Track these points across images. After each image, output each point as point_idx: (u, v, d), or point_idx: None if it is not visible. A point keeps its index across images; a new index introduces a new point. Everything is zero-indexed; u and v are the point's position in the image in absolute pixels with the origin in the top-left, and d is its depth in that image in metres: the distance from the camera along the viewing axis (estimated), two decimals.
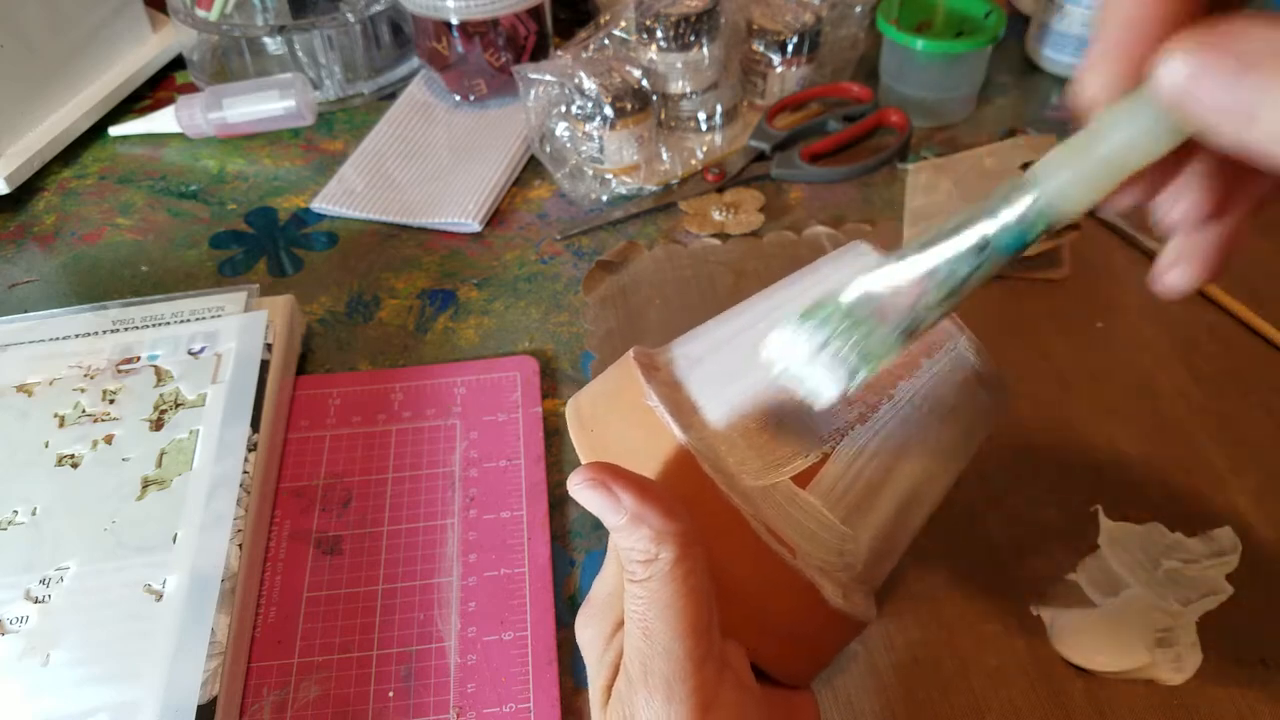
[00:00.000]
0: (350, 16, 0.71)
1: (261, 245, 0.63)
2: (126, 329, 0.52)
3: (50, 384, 0.49)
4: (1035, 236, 0.22)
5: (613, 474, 0.27)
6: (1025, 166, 0.64)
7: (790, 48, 0.67)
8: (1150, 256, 0.58)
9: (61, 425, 0.48)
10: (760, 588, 0.30)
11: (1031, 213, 0.22)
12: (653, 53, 0.64)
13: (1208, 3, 0.19)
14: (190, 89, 0.75)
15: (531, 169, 0.67)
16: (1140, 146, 0.20)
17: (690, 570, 0.27)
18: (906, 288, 0.24)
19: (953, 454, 0.33)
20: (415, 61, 0.75)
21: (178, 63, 0.77)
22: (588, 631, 0.32)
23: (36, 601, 0.41)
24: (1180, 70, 0.17)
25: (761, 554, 0.30)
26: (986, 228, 0.23)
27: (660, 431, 0.31)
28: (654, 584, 0.26)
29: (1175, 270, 0.22)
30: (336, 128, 0.72)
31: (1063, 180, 0.21)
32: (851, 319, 0.25)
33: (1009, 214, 0.22)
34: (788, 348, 0.27)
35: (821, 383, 0.26)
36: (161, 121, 0.70)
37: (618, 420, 0.33)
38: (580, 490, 0.28)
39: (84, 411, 0.48)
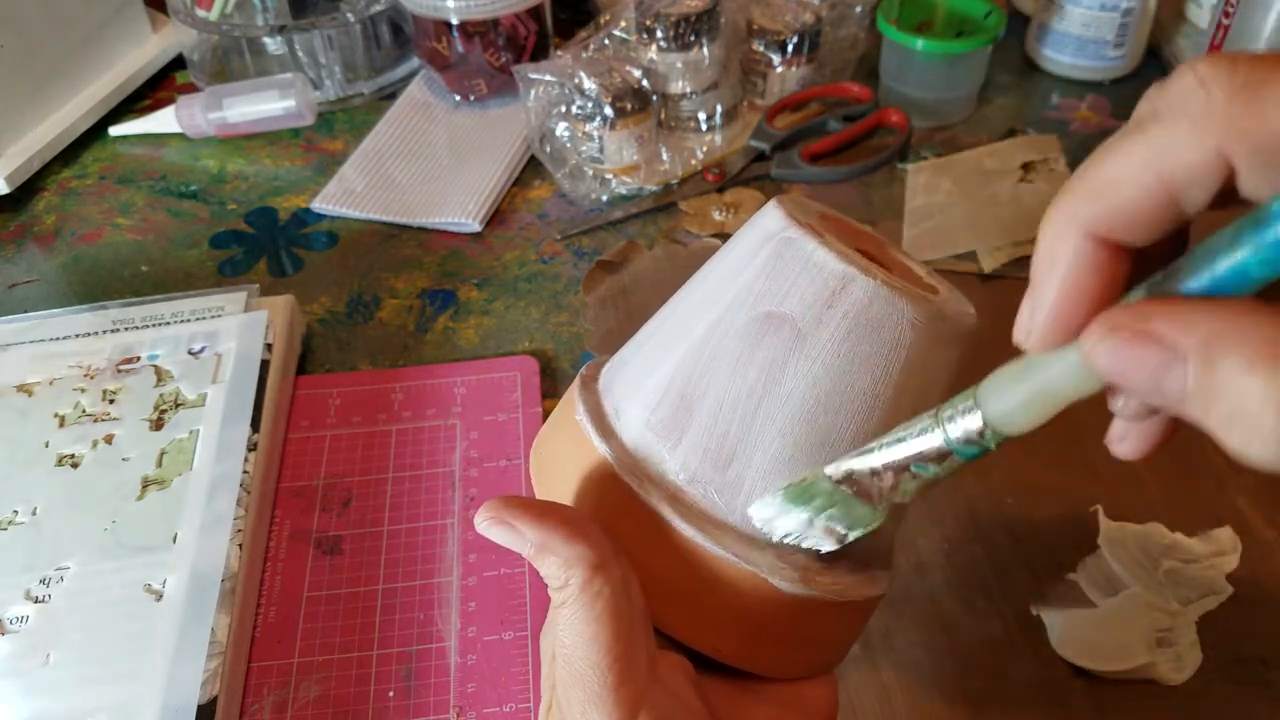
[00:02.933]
0: (350, 16, 0.71)
1: (261, 245, 0.63)
2: (126, 329, 0.52)
3: (50, 384, 0.49)
4: (993, 447, 0.24)
5: (511, 506, 0.28)
6: (1026, 167, 0.64)
7: (790, 48, 0.67)
8: None
9: (61, 425, 0.48)
10: (701, 587, 0.29)
11: (981, 433, 0.24)
12: (653, 53, 0.64)
13: (1132, 270, 0.21)
14: (190, 89, 0.75)
15: (531, 169, 0.67)
16: (1075, 385, 0.22)
17: (599, 594, 0.26)
18: (883, 474, 0.26)
19: (895, 408, 0.30)
20: (415, 61, 0.75)
21: (178, 63, 0.77)
22: (543, 647, 0.32)
23: (36, 601, 0.41)
24: (1106, 356, 0.19)
25: (694, 553, 0.29)
26: (944, 440, 0.24)
27: (587, 444, 0.31)
28: (567, 610, 0.27)
29: (1124, 445, 0.24)
30: (336, 128, 0.72)
31: (1004, 406, 0.23)
32: (836, 496, 0.27)
33: (961, 431, 0.24)
34: (780, 521, 0.28)
35: (818, 544, 0.28)
36: (161, 121, 0.70)
37: (558, 439, 0.33)
38: (485, 529, 0.28)
39: (84, 411, 0.48)
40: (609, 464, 0.30)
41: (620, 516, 0.29)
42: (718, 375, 0.29)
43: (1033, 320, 0.21)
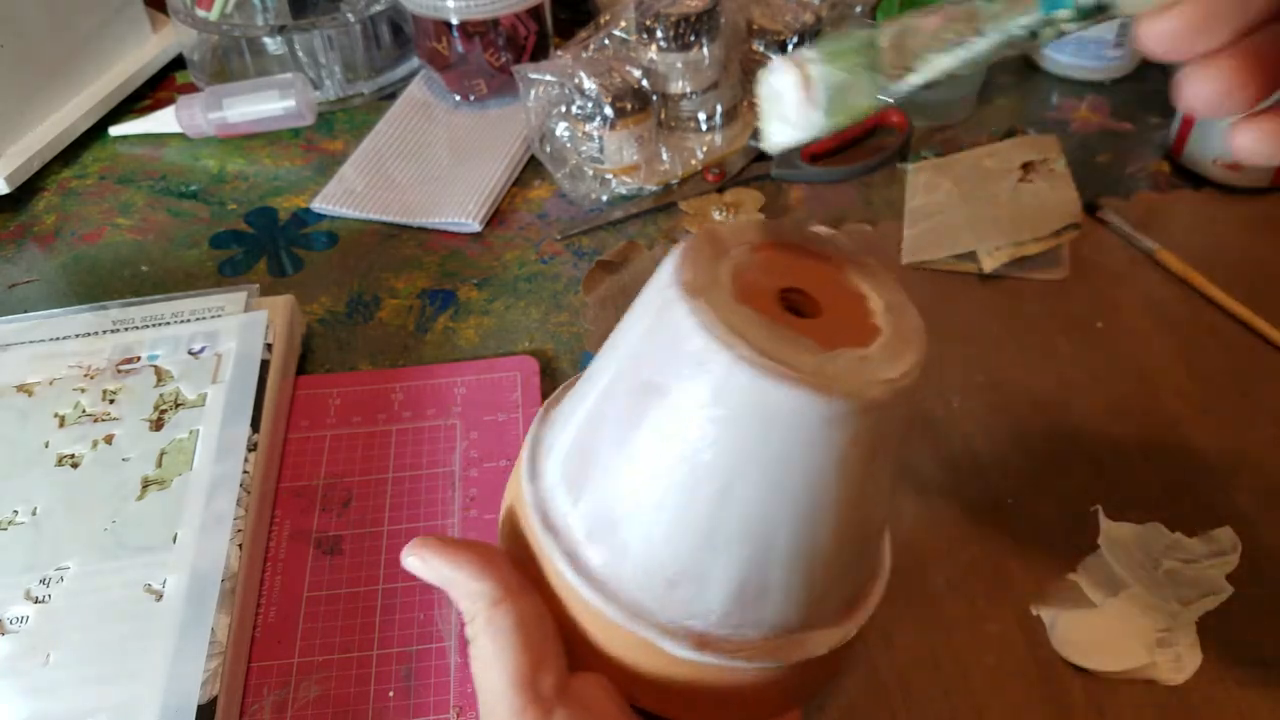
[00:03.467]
0: (350, 16, 0.71)
1: (261, 245, 0.63)
2: (126, 329, 0.52)
3: (50, 384, 0.49)
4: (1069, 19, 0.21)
5: (428, 544, 0.30)
6: (1026, 167, 0.64)
7: (790, 48, 0.67)
8: (1150, 257, 0.58)
9: (61, 425, 0.48)
10: (600, 639, 0.29)
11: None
12: (653, 53, 0.64)
13: None
14: (190, 89, 0.75)
15: (531, 169, 0.67)
16: None
17: (500, 627, 0.28)
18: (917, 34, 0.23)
19: (779, 480, 0.27)
20: (415, 61, 0.75)
21: (178, 63, 0.77)
22: None
23: (36, 601, 0.41)
24: None
25: (591, 607, 0.29)
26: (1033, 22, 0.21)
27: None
28: (476, 642, 0.29)
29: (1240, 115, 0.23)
30: (336, 128, 0.72)
31: None
32: (859, 55, 0.23)
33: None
34: (788, 72, 0.24)
35: (789, 120, 0.24)
36: (161, 121, 0.70)
37: (521, 458, 0.33)
38: (408, 565, 0.31)
39: (84, 411, 0.48)
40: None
41: (531, 554, 0.30)
42: (605, 440, 0.29)
43: None
